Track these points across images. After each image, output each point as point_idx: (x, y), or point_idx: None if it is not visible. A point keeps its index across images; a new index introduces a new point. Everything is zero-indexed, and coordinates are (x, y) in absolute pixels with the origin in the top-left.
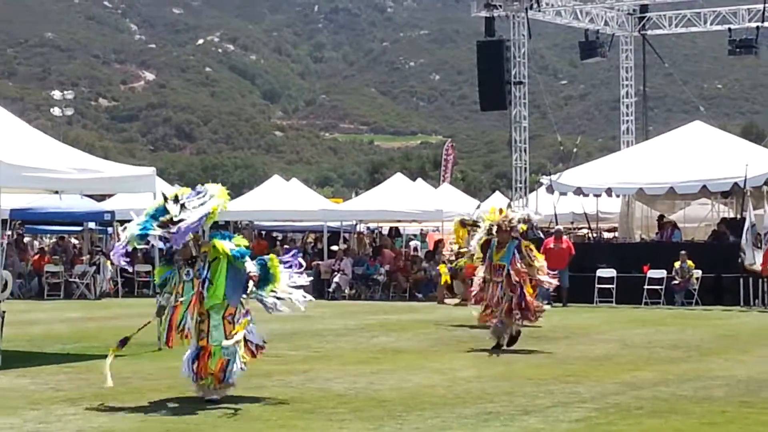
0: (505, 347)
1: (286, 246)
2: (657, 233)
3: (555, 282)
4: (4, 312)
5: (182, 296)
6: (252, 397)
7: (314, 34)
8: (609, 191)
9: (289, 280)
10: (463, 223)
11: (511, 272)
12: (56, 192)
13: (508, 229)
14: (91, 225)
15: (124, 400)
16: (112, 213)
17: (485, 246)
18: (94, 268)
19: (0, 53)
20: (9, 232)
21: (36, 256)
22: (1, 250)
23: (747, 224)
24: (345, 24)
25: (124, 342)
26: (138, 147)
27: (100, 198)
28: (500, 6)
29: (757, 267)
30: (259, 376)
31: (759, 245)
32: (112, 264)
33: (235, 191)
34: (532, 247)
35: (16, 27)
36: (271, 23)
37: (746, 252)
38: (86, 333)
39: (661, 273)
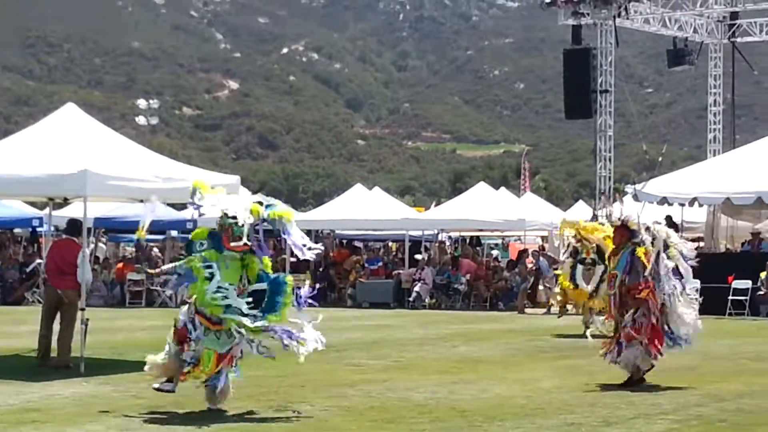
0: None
1: (365, 255)
2: (744, 242)
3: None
4: (87, 320)
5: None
6: (333, 406)
7: (398, 42)
8: (695, 201)
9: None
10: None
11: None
12: (141, 201)
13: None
14: (174, 233)
15: (204, 409)
16: (194, 221)
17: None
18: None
19: (87, 62)
20: (92, 240)
21: (119, 265)
22: (83, 258)
23: None
24: (429, 32)
25: None
26: (221, 156)
27: (181, 206)
28: (588, 14)
29: None
30: (340, 385)
31: None
32: None
33: (317, 200)
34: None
35: (103, 37)
36: (355, 32)
37: None
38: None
39: (746, 284)
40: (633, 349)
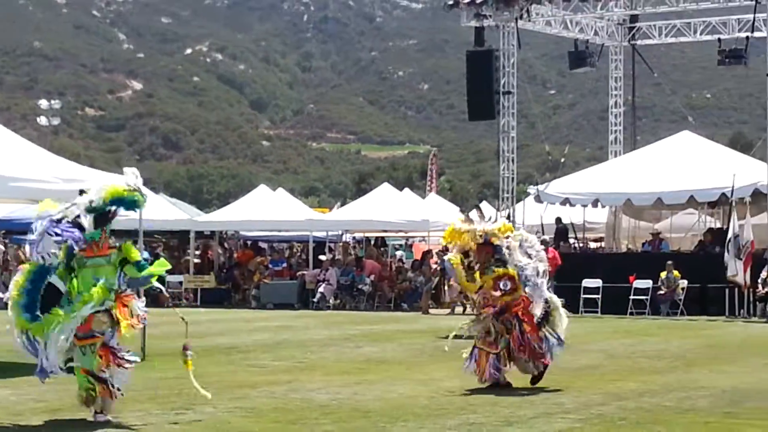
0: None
1: (270, 256)
2: (645, 243)
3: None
4: None
5: None
6: (235, 408)
7: (303, 43)
8: (596, 201)
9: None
10: None
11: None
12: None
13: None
14: None
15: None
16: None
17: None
18: None
19: None
20: None
21: (20, 266)
22: None
23: (730, 235)
24: (334, 33)
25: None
26: (124, 156)
27: None
28: (490, 16)
29: (740, 279)
30: (244, 386)
31: (740, 256)
32: None
33: (222, 201)
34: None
35: (3, 36)
36: (259, 33)
37: (728, 263)
38: None
39: (646, 283)
40: (526, 363)
